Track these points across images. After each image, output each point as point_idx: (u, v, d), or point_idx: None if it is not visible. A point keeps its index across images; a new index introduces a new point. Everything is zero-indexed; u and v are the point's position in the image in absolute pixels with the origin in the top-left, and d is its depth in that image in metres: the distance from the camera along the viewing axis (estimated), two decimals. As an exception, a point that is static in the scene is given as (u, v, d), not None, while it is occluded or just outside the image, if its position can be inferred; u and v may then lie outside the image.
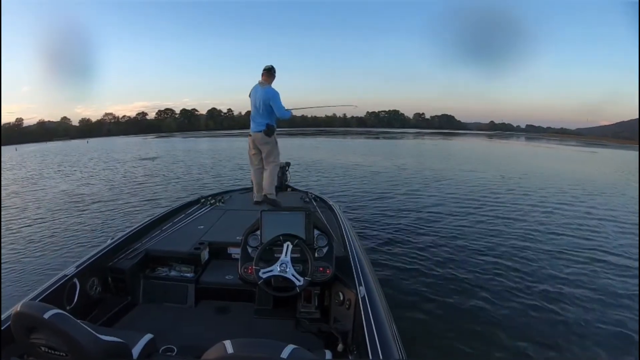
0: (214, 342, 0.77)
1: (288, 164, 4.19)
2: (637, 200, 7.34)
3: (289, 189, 4.02)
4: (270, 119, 3.39)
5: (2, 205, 6.85)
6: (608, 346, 2.47)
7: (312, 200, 3.36)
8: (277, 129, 3.51)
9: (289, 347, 0.73)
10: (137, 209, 6.63)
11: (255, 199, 3.49)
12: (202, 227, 2.57)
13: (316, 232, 1.82)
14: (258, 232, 1.79)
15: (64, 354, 0.97)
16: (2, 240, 4.61)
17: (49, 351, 0.98)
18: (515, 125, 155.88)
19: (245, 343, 0.75)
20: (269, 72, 3.37)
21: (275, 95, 3.31)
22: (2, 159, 20.32)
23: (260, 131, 3.38)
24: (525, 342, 2.49)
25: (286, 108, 3.41)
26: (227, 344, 0.74)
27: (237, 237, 1.97)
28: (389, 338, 1.21)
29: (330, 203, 3.09)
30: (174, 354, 1.44)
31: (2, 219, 5.73)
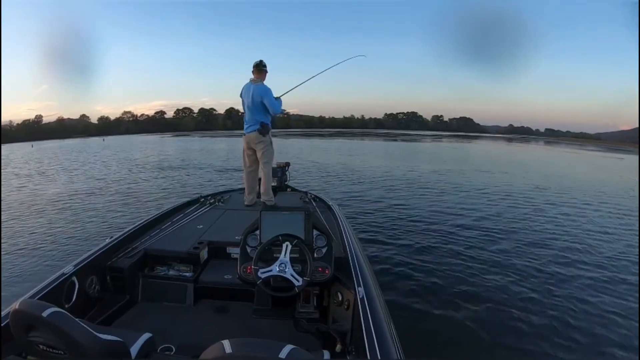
0: (213, 342, 0.77)
1: (288, 164, 4.17)
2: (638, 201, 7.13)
3: (288, 189, 4.01)
4: (265, 118, 3.27)
5: (1, 204, 6.86)
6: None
7: (312, 200, 3.33)
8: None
9: (288, 347, 0.72)
10: (136, 207, 6.65)
11: (245, 202, 3.34)
12: (201, 226, 2.57)
13: (315, 232, 1.81)
14: (257, 232, 1.78)
15: (62, 352, 0.97)
16: (1, 238, 4.62)
17: (47, 349, 0.98)
18: (534, 129, 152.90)
19: (244, 343, 0.75)
20: (259, 68, 3.19)
21: (267, 91, 3.17)
22: (14, 155, 20.97)
23: (255, 131, 3.25)
24: (524, 342, 2.45)
25: (276, 97, 3.28)
26: (226, 343, 0.73)
27: (237, 237, 1.97)
28: (387, 339, 1.20)
29: (330, 203, 3.07)
30: (172, 353, 1.44)
31: (1, 217, 5.71)
